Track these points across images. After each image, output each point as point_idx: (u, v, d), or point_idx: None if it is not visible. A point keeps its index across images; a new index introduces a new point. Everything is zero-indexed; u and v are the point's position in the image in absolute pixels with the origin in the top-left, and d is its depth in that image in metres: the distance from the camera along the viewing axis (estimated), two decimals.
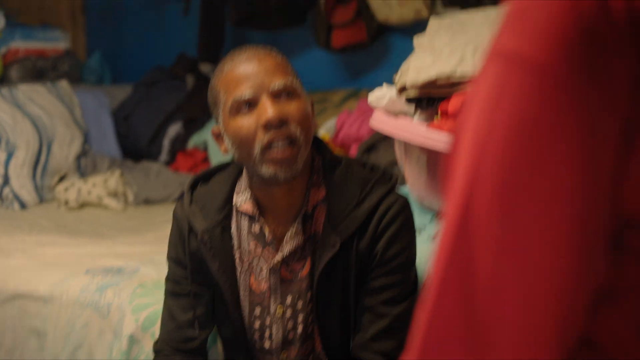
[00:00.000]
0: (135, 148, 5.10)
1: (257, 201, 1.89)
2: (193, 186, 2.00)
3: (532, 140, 0.69)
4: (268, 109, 1.72)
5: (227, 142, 1.82)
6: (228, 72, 1.79)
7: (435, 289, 0.76)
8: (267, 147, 1.73)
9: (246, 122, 1.75)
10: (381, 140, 3.50)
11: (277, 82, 1.75)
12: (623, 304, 0.73)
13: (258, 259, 1.90)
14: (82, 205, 4.20)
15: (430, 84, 2.19)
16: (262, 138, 1.73)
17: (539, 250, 0.70)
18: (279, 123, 1.72)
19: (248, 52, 1.80)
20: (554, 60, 0.68)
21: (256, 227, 1.89)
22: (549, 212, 0.69)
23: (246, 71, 1.76)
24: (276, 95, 1.76)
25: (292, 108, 1.76)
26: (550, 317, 0.71)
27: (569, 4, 0.68)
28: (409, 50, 2.46)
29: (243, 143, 1.76)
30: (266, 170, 1.75)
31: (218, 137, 1.87)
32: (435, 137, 2.08)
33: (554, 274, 0.70)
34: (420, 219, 2.37)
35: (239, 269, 1.92)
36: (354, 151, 3.83)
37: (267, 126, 1.72)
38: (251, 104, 1.75)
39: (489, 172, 0.71)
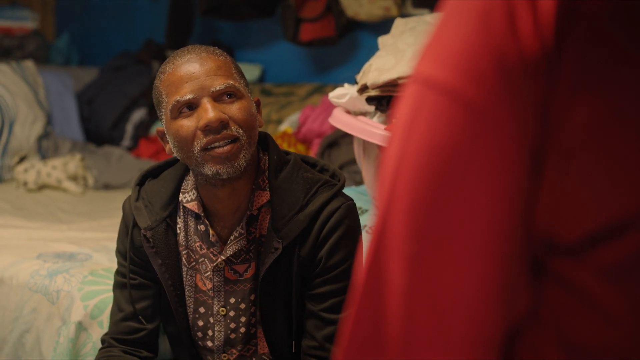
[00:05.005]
0: (98, 132, 5.07)
1: (202, 201, 1.88)
2: (141, 182, 1.98)
3: (441, 163, 0.70)
4: (208, 112, 1.71)
5: (170, 142, 1.81)
6: (169, 74, 1.77)
7: (354, 304, 0.77)
8: (206, 148, 1.72)
9: (186, 123, 1.73)
10: (343, 137, 3.50)
11: (218, 84, 1.74)
12: (547, 327, 0.74)
13: (203, 258, 1.89)
14: (41, 187, 4.17)
15: (392, 84, 2.19)
16: (201, 139, 1.72)
17: (450, 273, 0.71)
18: (219, 126, 1.71)
19: (190, 53, 1.78)
20: (465, 85, 0.69)
21: (201, 227, 1.89)
22: (458, 235, 0.70)
23: (187, 73, 1.75)
24: (217, 97, 1.75)
25: (233, 109, 1.75)
26: (465, 342, 0.72)
27: (481, 31, 0.69)
28: (376, 47, 2.46)
29: (183, 144, 1.75)
30: (208, 169, 1.74)
31: (162, 137, 1.86)
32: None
33: (468, 298, 0.71)
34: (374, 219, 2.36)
35: (184, 267, 1.91)
36: (315, 146, 3.82)
37: (207, 129, 1.71)
38: (192, 106, 1.74)
39: (401, 193, 0.72)
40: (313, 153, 3.79)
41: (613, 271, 0.69)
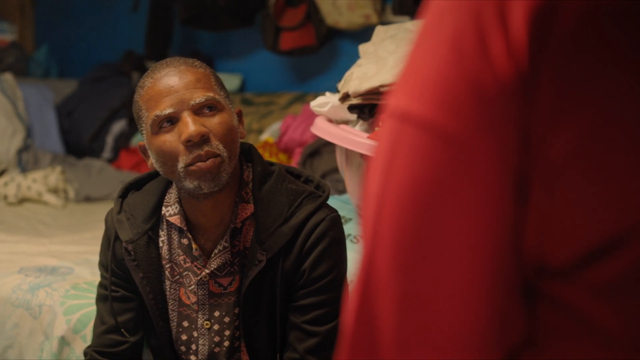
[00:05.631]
0: (78, 144, 5.05)
1: (185, 214, 1.86)
2: (124, 194, 1.97)
3: (423, 199, 0.68)
4: (189, 126, 1.69)
5: (152, 157, 1.79)
6: (148, 88, 1.75)
7: (345, 348, 0.76)
8: (190, 164, 1.71)
9: (168, 138, 1.72)
10: (325, 146, 3.49)
11: (198, 98, 1.72)
12: (544, 351, 0.72)
13: (187, 271, 1.88)
14: (22, 200, 4.15)
15: (374, 92, 2.18)
16: (185, 156, 1.70)
17: (441, 308, 0.70)
18: (200, 140, 1.69)
19: (169, 66, 1.76)
20: (442, 118, 0.68)
21: (185, 241, 1.87)
22: (446, 270, 0.69)
23: (166, 87, 1.73)
24: (197, 110, 1.73)
25: (214, 123, 1.73)
26: None
27: (454, 60, 0.67)
28: (357, 55, 2.46)
29: (166, 160, 1.73)
30: (190, 183, 1.72)
31: (144, 152, 1.84)
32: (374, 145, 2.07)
33: (462, 333, 0.70)
34: (358, 228, 2.35)
35: (168, 280, 1.89)
36: (297, 155, 3.82)
37: (188, 143, 1.70)
38: (172, 120, 1.72)
39: (386, 231, 0.70)
40: (295, 162, 3.78)
41: (607, 289, 0.68)
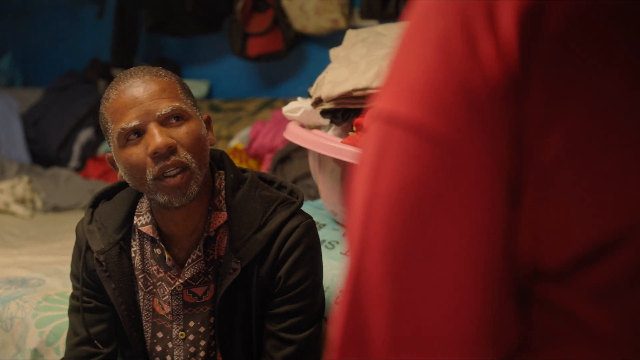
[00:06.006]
0: (44, 154, 5.00)
1: (157, 224, 1.84)
2: (94, 204, 1.94)
3: (414, 203, 0.67)
4: (155, 138, 1.66)
5: (120, 170, 1.77)
6: (113, 100, 1.72)
7: (335, 358, 0.74)
8: (158, 177, 1.68)
9: (135, 151, 1.69)
10: (295, 151, 3.48)
11: (164, 108, 1.69)
12: (538, 355, 0.72)
13: (161, 281, 1.85)
14: None
15: (346, 96, 2.17)
16: (152, 168, 1.68)
17: (434, 315, 0.68)
18: (167, 152, 1.67)
19: (133, 77, 1.73)
20: (431, 119, 0.66)
21: (157, 250, 1.85)
22: (439, 276, 0.68)
23: (131, 98, 1.70)
24: (164, 121, 1.70)
25: (181, 133, 1.70)
26: None
27: (442, 61, 0.66)
28: (325, 60, 2.44)
29: (134, 172, 1.71)
30: (160, 196, 1.70)
31: (112, 164, 1.81)
32: (350, 151, 2.06)
33: (455, 340, 0.69)
34: (332, 234, 2.34)
35: (141, 291, 1.87)
36: (267, 161, 3.80)
37: (155, 155, 1.67)
38: (139, 132, 1.69)
39: (375, 238, 0.69)
40: (265, 168, 3.77)
41: (602, 292, 0.67)
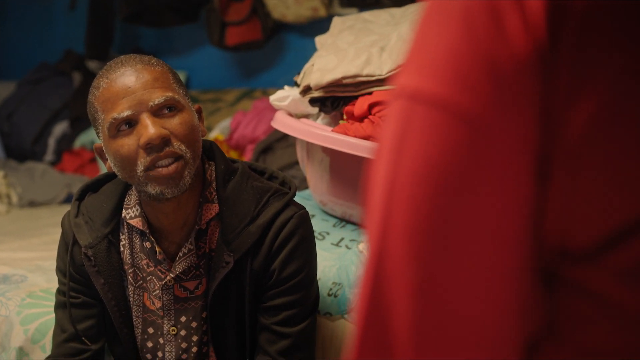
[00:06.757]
0: (19, 147, 4.94)
1: (147, 217, 1.79)
2: (81, 196, 1.89)
3: (440, 181, 0.65)
4: (148, 128, 1.62)
5: (110, 161, 1.72)
6: (104, 90, 1.67)
7: (355, 342, 0.73)
8: (150, 167, 1.64)
9: (127, 142, 1.65)
10: (277, 142, 3.45)
11: (157, 98, 1.65)
12: (564, 337, 0.70)
13: (151, 276, 1.81)
14: None
15: (336, 83, 2.14)
16: (144, 159, 1.63)
17: (461, 296, 0.67)
18: (161, 143, 1.63)
19: (125, 65, 1.69)
20: (457, 95, 0.65)
21: (147, 244, 1.80)
22: (466, 255, 0.66)
23: (123, 87, 1.65)
24: (157, 112, 1.66)
25: (174, 123, 1.66)
26: None
27: (466, 37, 0.65)
28: (305, 49, 2.42)
29: (125, 164, 1.66)
30: (152, 188, 1.66)
31: (101, 154, 1.77)
32: (341, 139, 2.03)
33: (481, 321, 0.67)
34: (322, 224, 2.32)
35: (131, 285, 1.83)
36: (249, 152, 3.77)
37: (148, 146, 1.63)
38: (131, 122, 1.65)
39: (398, 216, 0.67)
40: (247, 159, 3.74)
41: (631, 273, 0.65)
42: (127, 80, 1.66)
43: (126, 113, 1.64)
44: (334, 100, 2.20)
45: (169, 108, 1.67)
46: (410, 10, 2.37)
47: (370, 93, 2.09)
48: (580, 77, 0.63)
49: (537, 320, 0.70)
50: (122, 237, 1.84)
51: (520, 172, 0.65)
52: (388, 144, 0.69)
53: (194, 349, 1.84)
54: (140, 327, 1.86)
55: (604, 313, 0.67)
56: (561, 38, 0.62)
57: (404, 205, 0.67)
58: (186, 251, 1.78)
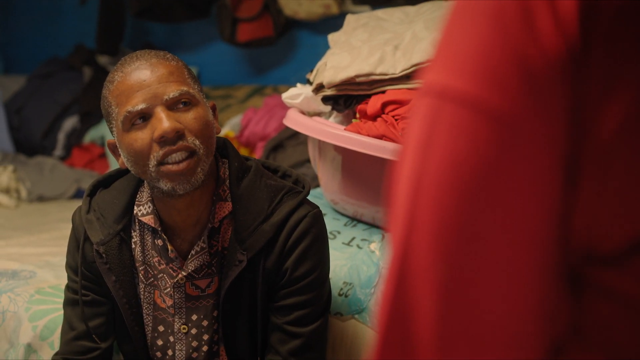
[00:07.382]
0: (28, 142, 4.93)
1: (159, 214, 1.78)
2: (92, 192, 1.88)
3: (468, 180, 0.65)
4: (163, 122, 1.61)
5: (122, 156, 1.70)
6: (119, 83, 1.67)
7: (378, 340, 0.72)
8: (163, 161, 1.62)
9: (140, 136, 1.64)
10: (288, 139, 3.44)
11: (172, 92, 1.64)
12: (590, 340, 0.70)
13: (162, 274, 1.80)
14: None
15: (349, 81, 2.13)
16: (157, 152, 1.62)
17: (486, 297, 0.67)
18: (175, 136, 1.62)
19: (140, 59, 1.68)
20: (486, 94, 0.65)
21: (159, 242, 1.79)
22: (492, 256, 0.66)
23: (138, 81, 1.65)
24: (171, 106, 1.65)
25: (189, 118, 1.65)
26: None
27: (496, 35, 0.65)
28: (316, 46, 2.40)
29: (138, 158, 1.65)
30: (164, 184, 1.65)
31: (114, 150, 1.76)
32: (354, 138, 2.02)
33: (507, 323, 0.67)
34: (333, 223, 2.30)
35: (142, 283, 1.81)
36: (259, 150, 3.76)
37: (162, 140, 1.61)
38: (145, 116, 1.64)
39: (425, 215, 0.67)
40: (257, 156, 3.72)
41: None
42: (142, 74, 1.66)
43: (141, 106, 1.63)
44: (347, 99, 2.19)
45: (184, 103, 1.66)
46: (424, 8, 2.35)
47: (383, 92, 2.08)
48: (611, 77, 0.62)
49: (563, 322, 0.70)
50: (133, 234, 1.83)
51: (549, 173, 0.65)
52: (414, 142, 0.69)
53: (205, 348, 1.83)
54: (150, 324, 1.85)
55: (630, 316, 0.67)
56: (593, 38, 0.62)
57: (431, 204, 0.67)
58: (198, 249, 1.77)
